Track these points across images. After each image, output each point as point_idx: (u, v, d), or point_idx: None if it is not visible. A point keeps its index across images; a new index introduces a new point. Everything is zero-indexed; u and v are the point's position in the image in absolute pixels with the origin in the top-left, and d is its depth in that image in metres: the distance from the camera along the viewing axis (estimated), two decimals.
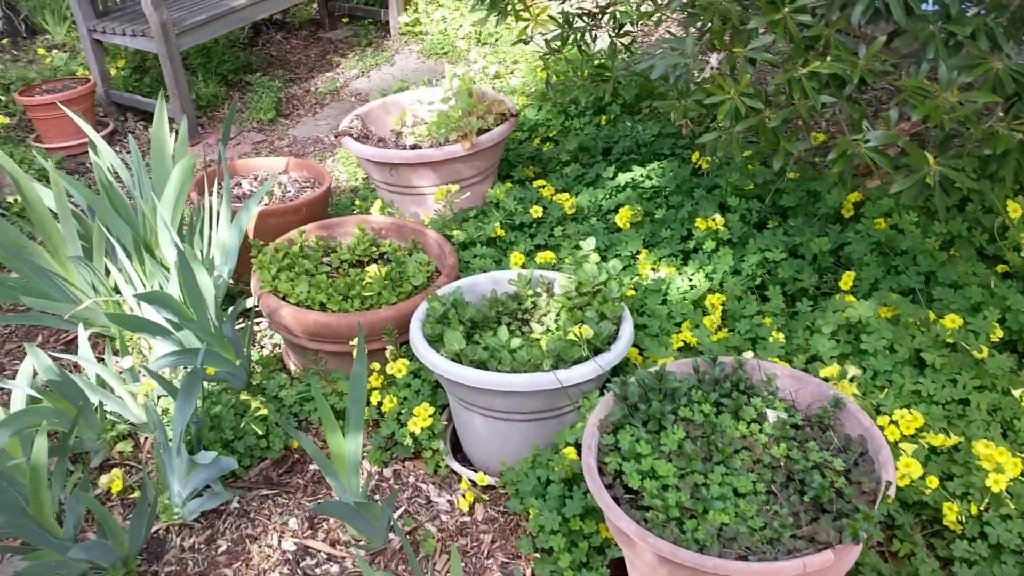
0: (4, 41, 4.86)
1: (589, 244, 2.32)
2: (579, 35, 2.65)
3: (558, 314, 2.20)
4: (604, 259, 2.73)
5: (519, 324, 2.23)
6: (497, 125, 2.95)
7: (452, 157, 2.84)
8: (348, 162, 3.83)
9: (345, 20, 5.45)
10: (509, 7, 2.51)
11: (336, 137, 3.02)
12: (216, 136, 4.25)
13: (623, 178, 2.92)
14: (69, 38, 5.09)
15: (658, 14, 2.41)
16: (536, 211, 2.84)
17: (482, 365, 1.98)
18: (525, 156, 3.35)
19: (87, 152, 4.07)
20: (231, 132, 4.30)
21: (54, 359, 2.73)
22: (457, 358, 2.00)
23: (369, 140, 3.02)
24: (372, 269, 2.37)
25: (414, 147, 2.99)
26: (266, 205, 2.94)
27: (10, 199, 3.50)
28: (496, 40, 4.96)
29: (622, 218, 2.75)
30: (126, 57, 4.61)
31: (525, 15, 2.52)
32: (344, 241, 2.73)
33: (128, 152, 4.07)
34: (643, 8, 2.61)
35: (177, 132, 2.95)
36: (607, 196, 2.93)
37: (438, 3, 5.25)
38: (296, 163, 3.17)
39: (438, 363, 1.97)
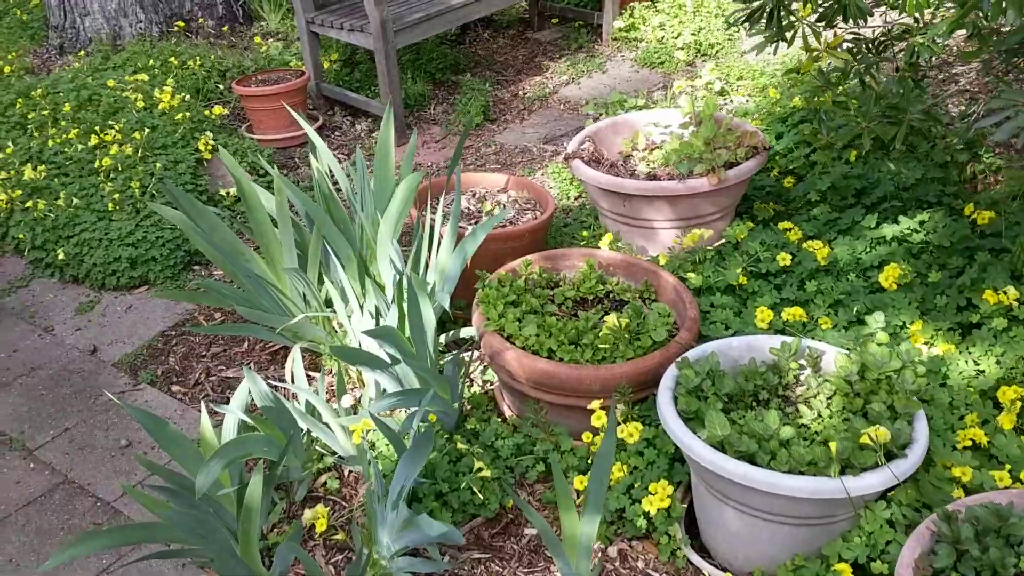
0: (224, 28, 4.91)
1: (877, 320, 1.99)
2: (864, 68, 2.30)
3: (830, 398, 1.88)
4: (861, 320, 2.38)
5: (780, 401, 1.93)
6: (748, 159, 2.64)
7: (695, 192, 2.55)
8: (559, 178, 3.60)
9: (555, 21, 5.23)
10: (797, 35, 2.19)
11: (566, 160, 2.78)
12: (423, 138, 4.12)
13: (889, 230, 2.55)
14: (284, 26, 5.11)
15: (979, 56, 2.04)
16: (784, 258, 2.52)
17: (749, 458, 1.70)
18: (764, 190, 3.02)
19: (298, 146, 4.02)
20: (436, 134, 4.16)
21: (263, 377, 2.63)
22: (720, 446, 1.72)
23: (601, 165, 2.77)
24: (611, 320, 2.12)
25: (651, 177, 2.72)
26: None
27: (223, 191, 3.47)
28: (718, 52, 4.62)
29: (887, 277, 2.39)
30: (339, 50, 4.56)
31: (814, 45, 2.19)
32: (568, 274, 2.49)
33: (346, 156, 3.99)
34: (945, 42, 2.24)
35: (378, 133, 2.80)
36: (867, 249, 2.56)
37: (656, 8, 4.95)
38: (516, 181, 2.96)
39: (697, 450, 1.70)
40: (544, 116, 4.28)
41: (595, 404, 2.04)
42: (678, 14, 4.87)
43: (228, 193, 3.46)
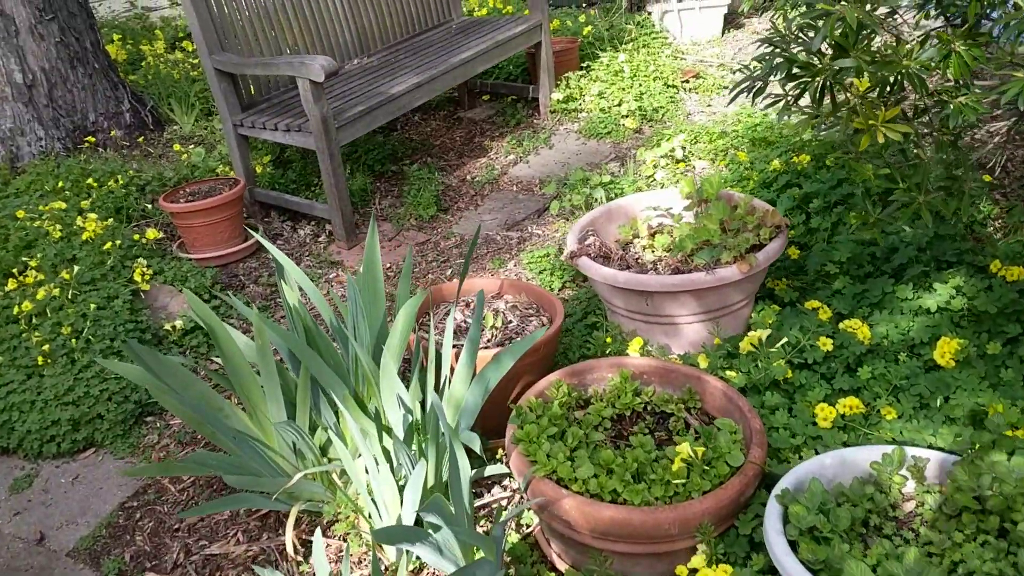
0: (139, 139, 4.51)
1: (961, 405, 1.77)
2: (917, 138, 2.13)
3: (954, 516, 1.64)
4: (925, 405, 2.17)
5: (892, 525, 1.68)
6: (771, 239, 2.43)
7: (725, 283, 2.32)
8: (535, 268, 3.34)
9: (486, 98, 5.03)
10: (844, 108, 1.99)
11: (571, 259, 2.52)
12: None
13: (931, 300, 2.37)
14: (199, 128, 4.74)
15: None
16: (825, 343, 2.30)
17: None
18: (773, 265, 2.82)
19: (240, 261, 3.65)
20: (388, 231, 3.85)
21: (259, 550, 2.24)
22: None
23: (611, 260, 2.52)
24: (684, 449, 1.84)
25: (658, 266, 2.47)
26: (488, 341, 2.45)
27: (167, 326, 3.07)
28: (664, 116, 4.48)
29: (943, 354, 2.19)
30: (270, 151, 4.22)
31: (867, 119, 1.98)
32: (597, 388, 2.21)
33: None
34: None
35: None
36: (910, 323, 2.37)
37: (592, 77, 4.79)
38: (511, 284, 2.68)
39: None
40: (498, 200, 4.03)
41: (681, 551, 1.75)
42: (615, 81, 4.72)
43: (174, 327, 3.06)
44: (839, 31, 1.85)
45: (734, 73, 4.96)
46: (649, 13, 5.49)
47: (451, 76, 4.08)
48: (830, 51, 1.98)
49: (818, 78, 1.93)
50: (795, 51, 2.39)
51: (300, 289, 3.04)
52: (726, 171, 3.48)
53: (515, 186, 4.14)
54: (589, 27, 5.09)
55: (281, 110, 3.75)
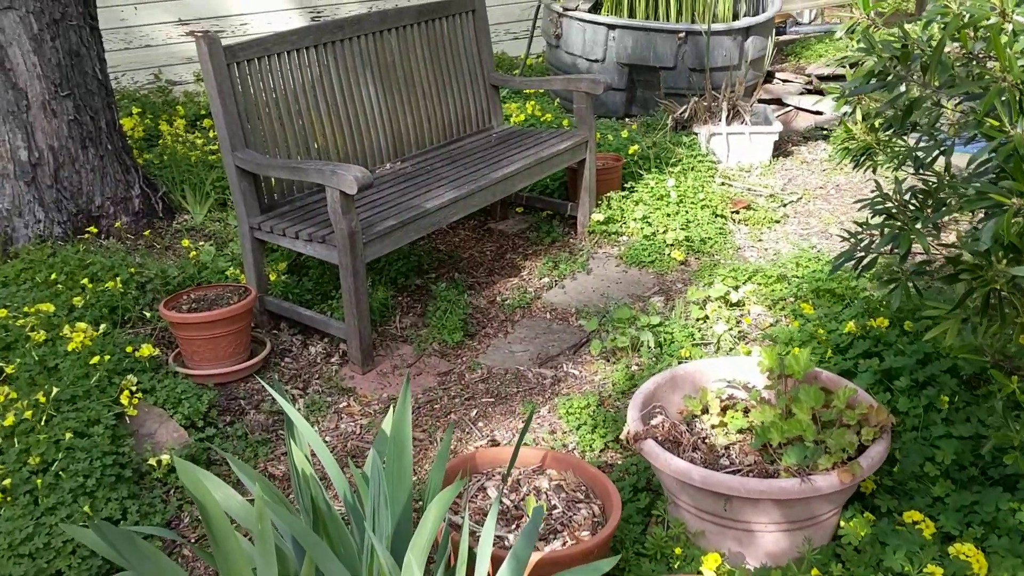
0: (146, 233, 4.18)
1: None
2: None
3: None
4: None
5: None
6: (873, 440, 2.05)
7: (820, 494, 1.94)
8: (571, 418, 2.96)
9: (519, 210, 4.72)
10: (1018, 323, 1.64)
11: (633, 441, 2.14)
12: (391, 361, 3.43)
13: None
14: (211, 221, 4.42)
15: None
16: (935, 572, 1.91)
17: None
18: None
19: (242, 380, 3.28)
20: (408, 356, 3.49)
21: None
22: None
23: (682, 447, 2.14)
24: None
25: (731, 450, 2.09)
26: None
27: (152, 461, 2.68)
28: (712, 247, 4.16)
29: None
30: (288, 256, 3.89)
31: None
32: None
33: (301, 389, 3.26)
34: None
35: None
36: None
37: (635, 199, 4.49)
38: (555, 458, 2.30)
39: None
40: (530, 328, 3.68)
41: None
42: (660, 205, 4.42)
43: (159, 462, 2.67)
44: (1016, 230, 1.51)
45: (784, 206, 4.67)
46: (695, 134, 5.24)
47: (490, 192, 3.78)
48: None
49: (986, 285, 1.58)
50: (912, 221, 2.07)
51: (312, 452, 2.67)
52: (790, 327, 3.13)
53: (549, 313, 3.79)
54: (636, 146, 4.82)
55: (303, 216, 3.42)
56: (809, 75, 6.58)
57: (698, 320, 3.52)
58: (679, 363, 2.89)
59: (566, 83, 4.30)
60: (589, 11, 6.17)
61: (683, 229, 4.23)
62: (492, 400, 3.20)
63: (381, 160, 3.98)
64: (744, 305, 3.57)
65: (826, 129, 5.61)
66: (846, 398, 2.08)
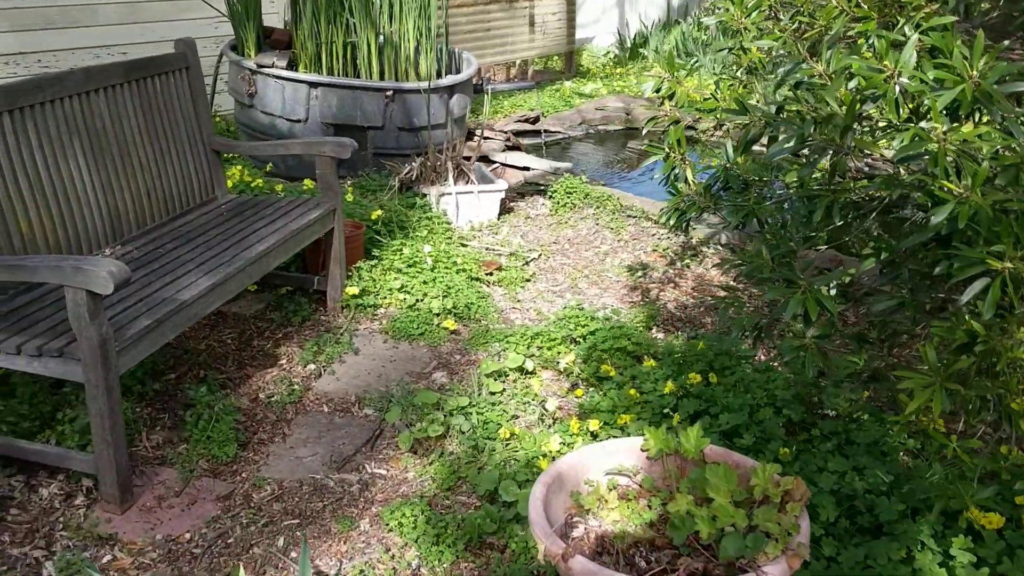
0: None
1: None
2: None
3: None
4: None
5: None
6: (798, 516, 1.96)
7: None
8: (404, 530, 2.59)
9: (252, 288, 4.18)
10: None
11: (562, 562, 1.85)
12: (155, 492, 2.80)
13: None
14: None
15: None
16: None
17: None
18: None
19: None
20: (173, 482, 2.87)
21: None
22: None
23: (608, 555, 1.89)
24: None
25: (639, 549, 1.90)
26: None
27: None
28: (476, 313, 3.98)
29: None
30: None
31: None
32: None
33: (47, 550, 2.50)
34: None
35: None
36: None
37: (386, 267, 4.19)
38: None
39: None
40: (310, 426, 3.22)
41: None
42: (415, 273, 4.16)
43: None
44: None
45: (528, 264, 4.64)
46: (424, 195, 5.05)
47: (247, 274, 3.27)
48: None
49: (990, 355, 1.54)
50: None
51: None
52: (608, 394, 3.02)
53: (326, 406, 3.35)
54: (378, 211, 4.51)
55: (18, 325, 2.69)
56: (504, 131, 6.72)
57: (495, 394, 3.31)
58: (553, 458, 2.64)
59: (306, 147, 3.90)
60: (286, 68, 5.77)
61: (445, 296, 4.01)
62: (297, 522, 2.72)
63: (99, 244, 3.30)
64: (537, 374, 3.43)
65: (541, 184, 5.71)
66: (768, 476, 1.98)
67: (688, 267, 4.59)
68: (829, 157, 1.93)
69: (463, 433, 3.02)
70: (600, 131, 7.79)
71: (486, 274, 4.35)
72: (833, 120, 1.86)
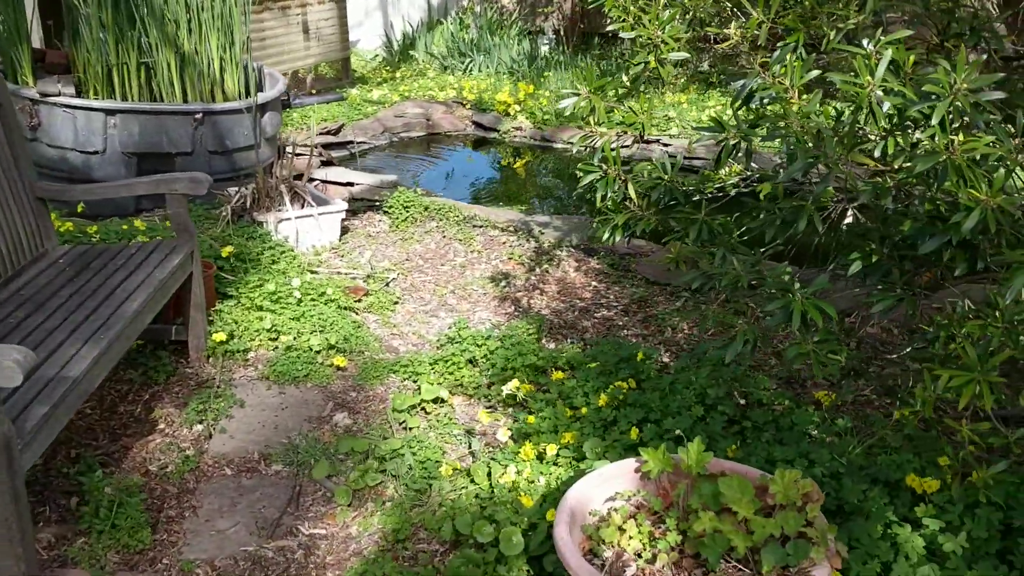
0: None
1: None
2: None
3: None
4: None
5: None
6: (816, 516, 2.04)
7: None
8: None
9: None
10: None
11: None
12: None
13: (946, 541, 2.21)
14: None
15: None
16: None
17: None
18: None
19: None
20: None
21: None
22: None
23: None
24: None
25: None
26: None
27: None
28: (356, 345, 3.80)
29: None
30: None
31: None
32: None
33: None
34: None
35: None
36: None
37: (248, 305, 3.89)
38: None
39: None
40: (220, 494, 2.94)
41: None
42: (279, 309, 3.90)
43: None
44: None
45: (388, 285, 4.49)
46: (261, 223, 4.74)
47: (127, 336, 2.92)
48: None
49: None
50: None
51: None
52: (544, 414, 2.99)
53: (228, 468, 3.07)
54: (229, 247, 4.16)
55: None
56: (309, 146, 6.44)
57: (410, 429, 3.19)
58: (561, 490, 2.54)
59: (154, 185, 3.52)
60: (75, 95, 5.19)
61: (321, 331, 3.79)
62: None
63: None
64: (447, 401, 3.33)
65: (370, 200, 5.54)
66: (788, 482, 2.04)
67: (548, 272, 4.64)
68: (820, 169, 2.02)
69: (396, 477, 2.87)
70: (404, 138, 7.70)
71: (355, 301, 4.16)
72: (824, 134, 1.94)
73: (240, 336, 3.76)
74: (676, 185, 2.43)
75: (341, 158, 6.78)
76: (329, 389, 3.53)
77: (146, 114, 5.14)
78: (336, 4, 9.99)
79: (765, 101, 2.16)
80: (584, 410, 2.96)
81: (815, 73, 2.03)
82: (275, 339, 3.77)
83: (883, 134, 1.92)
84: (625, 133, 2.63)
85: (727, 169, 2.65)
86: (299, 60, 9.11)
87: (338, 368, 3.65)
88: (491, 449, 3.04)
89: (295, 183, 4.94)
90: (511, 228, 5.09)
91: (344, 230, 5.17)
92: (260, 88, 5.93)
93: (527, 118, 7.76)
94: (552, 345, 3.82)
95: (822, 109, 2.00)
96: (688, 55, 2.57)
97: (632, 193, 2.49)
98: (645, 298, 4.32)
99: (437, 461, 2.92)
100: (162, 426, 3.28)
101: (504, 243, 4.98)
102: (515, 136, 7.69)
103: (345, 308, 4.07)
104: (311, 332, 3.79)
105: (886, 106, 1.83)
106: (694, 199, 2.47)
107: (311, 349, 3.69)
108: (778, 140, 2.15)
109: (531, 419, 2.98)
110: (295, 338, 3.75)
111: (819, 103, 1.99)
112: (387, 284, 4.48)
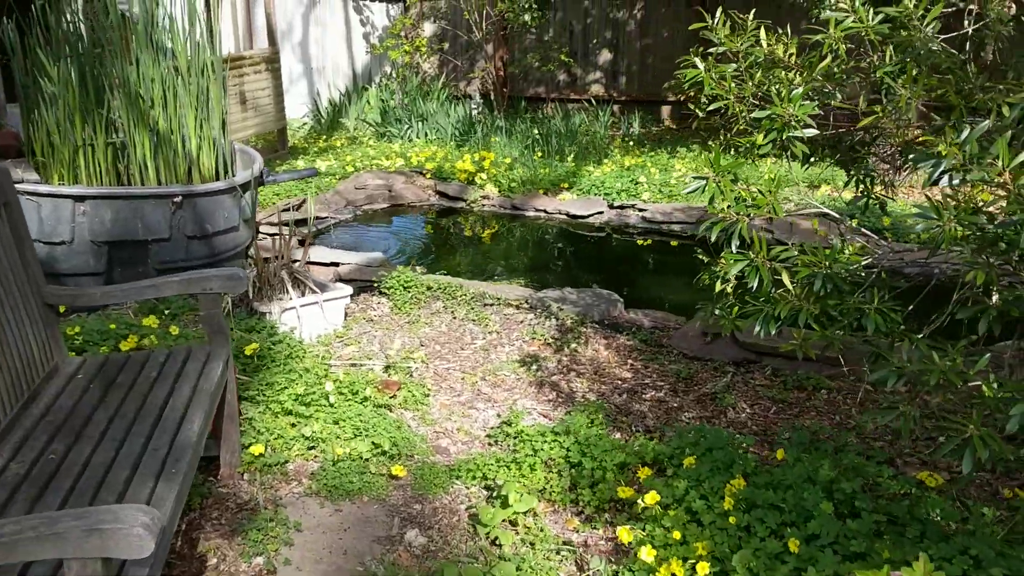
0: None
1: None
2: None
3: None
4: None
5: None
6: None
7: None
8: None
9: None
10: None
11: None
12: None
13: None
14: None
15: None
16: None
17: None
18: None
19: None
20: None
21: None
22: None
23: None
24: None
25: None
26: None
27: None
28: (405, 451, 3.45)
29: None
30: None
31: None
32: None
33: None
34: None
35: None
36: None
37: (285, 412, 3.50)
38: None
39: None
40: None
41: None
42: (313, 414, 3.52)
43: None
44: None
45: (411, 376, 4.15)
46: (264, 314, 4.34)
47: (191, 466, 2.51)
48: None
49: None
50: None
51: None
52: (637, 529, 2.71)
53: None
54: (254, 345, 3.76)
55: None
56: (274, 223, 6.07)
57: (502, 546, 2.86)
58: None
59: (186, 285, 3.12)
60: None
61: (363, 436, 3.43)
62: None
63: None
64: (535, 512, 3.02)
65: (372, 281, 5.20)
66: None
67: (577, 351, 4.39)
68: None
69: None
70: (367, 211, 7.38)
71: (390, 397, 3.81)
72: None
73: (275, 447, 3.36)
74: (835, 272, 2.24)
75: (304, 235, 6.40)
76: (389, 502, 3.17)
77: (120, 199, 4.69)
78: (271, 74, 9.66)
79: (957, 182, 2.00)
80: (706, 516, 2.70)
81: None
82: (313, 447, 3.39)
83: None
84: (751, 216, 2.43)
85: (848, 251, 2.46)
86: (238, 132, 8.72)
87: (392, 477, 3.29)
88: (612, 565, 2.74)
89: (295, 268, 4.58)
90: (526, 305, 4.83)
91: (345, 315, 4.81)
92: (233, 165, 5.54)
93: (494, 186, 7.56)
94: (617, 435, 3.56)
95: None
96: (817, 131, 2.42)
97: (786, 281, 2.29)
98: (690, 376, 4.11)
99: None
100: (214, 561, 2.85)
101: (522, 322, 4.71)
102: (484, 205, 7.47)
103: (380, 406, 3.72)
104: (352, 437, 3.42)
105: None
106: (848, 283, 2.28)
107: (360, 457, 3.32)
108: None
109: (625, 531, 2.69)
110: (338, 446, 3.38)
111: None
112: (410, 375, 4.14)
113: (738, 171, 2.53)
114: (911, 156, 2.01)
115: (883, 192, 2.77)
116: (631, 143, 9.63)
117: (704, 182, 2.41)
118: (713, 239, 2.35)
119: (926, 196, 2.32)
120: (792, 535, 2.54)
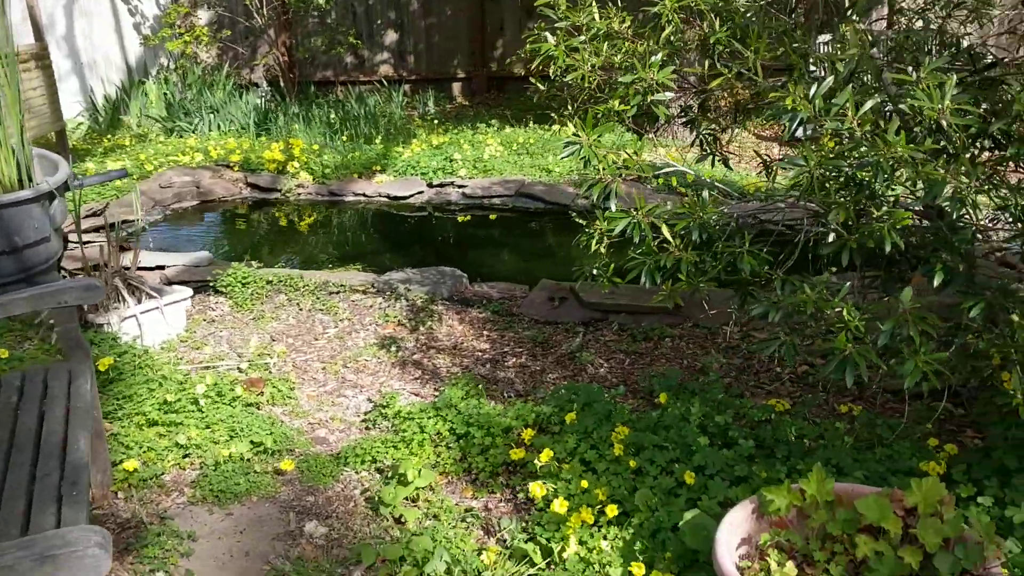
0: None
1: None
2: None
3: None
4: None
5: None
6: None
7: None
8: None
9: None
10: None
11: None
12: None
13: None
14: None
15: None
16: None
17: None
18: None
19: None
20: None
21: None
22: None
23: None
24: None
25: None
26: None
27: None
28: (283, 445, 3.41)
29: None
30: None
31: None
32: None
33: None
34: None
35: None
36: None
37: (150, 423, 3.34)
38: None
39: None
40: None
41: None
42: (183, 419, 3.39)
43: None
44: None
45: (271, 371, 4.08)
46: (101, 325, 4.09)
47: (87, 490, 2.38)
48: None
49: None
50: None
51: None
52: (540, 486, 2.86)
53: None
54: (108, 359, 3.53)
55: None
56: (83, 230, 5.70)
57: (407, 523, 2.92)
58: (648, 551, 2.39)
59: (37, 301, 2.90)
60: None
61: (242, 436, 3.36)
62: None
63: None
64: (432, 487, 3.09)
65: (206, 281, 5.00)
66: (927, 490, 2.11)
67: (433, 329, 4.47)
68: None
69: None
70: (177, 210, 7.05)
71: (258, 395, 3.72)
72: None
73: (148, 460, 3.22)
74: (707, 221, 2.45)
75: (123, 239, 6.04)
76: (280, 499, 3.13)
77: None
78: (43, 71, 8.91)
79: (809, 131, 2.26)
80: (599, 464, 2.88)
81: (871, 103, 2.16)
82: (188, 455, 3.28)
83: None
84: (621, 176, 2.60)
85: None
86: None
87: (278, 473, 3.25)
88: (525, 524, 2.85)
89: (128, 274, 4.34)
90: (372, 290, 4.83)
91: (188, 316, 4.62)
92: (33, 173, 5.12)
93: (308, 174, 7.42)
94: (492, 403, 3.68)
95: (902, 136, 2.13)
96: (674, 94, 2.62)
97: (666, 233, 2.48)
98: (545, 340, 4.30)
99: (475, 551, 2.69)
100: None
101: (371, 306, 4.72)
102: (300, 194, 7.33)
103: (250, 405, 3.64)
104: (229, 439, 3.34)
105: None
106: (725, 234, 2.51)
107: (242, 458, 3.25)
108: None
109: (537, 486, 2.84)
110: (217, 449, 3.28)
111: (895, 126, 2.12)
112: (269, 370, 4.06)
113: (601, 137, 2.70)
114: (768, 112, 2.24)
115: (726, 150, 3.04)
116: (435, 122, 9.72)
117: (578, 146, 2.55)
118: (595, 198, 2.50)
119: (759, 155, 2.58)
120: (681, 470, 2.76)
